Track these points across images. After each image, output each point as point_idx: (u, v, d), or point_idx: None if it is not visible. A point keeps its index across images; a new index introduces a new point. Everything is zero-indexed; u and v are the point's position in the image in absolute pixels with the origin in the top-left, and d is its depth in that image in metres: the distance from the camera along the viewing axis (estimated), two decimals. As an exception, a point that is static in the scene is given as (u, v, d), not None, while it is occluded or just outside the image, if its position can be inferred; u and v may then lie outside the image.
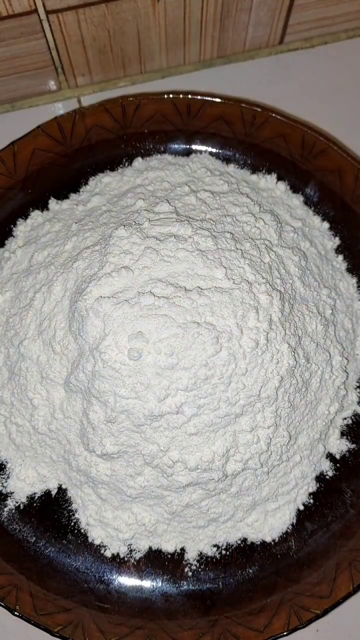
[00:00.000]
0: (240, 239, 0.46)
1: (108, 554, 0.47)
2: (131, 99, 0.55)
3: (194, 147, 0.57)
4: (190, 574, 0.47)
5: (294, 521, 0.48)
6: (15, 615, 0.43)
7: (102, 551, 0.47)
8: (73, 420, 0.45)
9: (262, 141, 0.56)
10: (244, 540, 0.48)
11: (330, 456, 0.49)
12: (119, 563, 0.47)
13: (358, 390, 0.51)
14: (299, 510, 0.48)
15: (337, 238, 0.55)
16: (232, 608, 0.46)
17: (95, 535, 0.47)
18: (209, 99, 0.55)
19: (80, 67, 0.60)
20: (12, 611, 0.43)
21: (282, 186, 0.55)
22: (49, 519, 0.48)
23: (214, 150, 0.57)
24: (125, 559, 0.47)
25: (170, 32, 0.59)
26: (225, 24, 0.60)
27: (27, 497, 0.48)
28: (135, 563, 0.47)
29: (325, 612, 0.44)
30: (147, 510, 0.46)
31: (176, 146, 0.57)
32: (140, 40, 0.59)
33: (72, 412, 0.45)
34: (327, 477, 0.49)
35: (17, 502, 0.48)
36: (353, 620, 0.48)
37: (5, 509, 0.48)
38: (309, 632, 0.47)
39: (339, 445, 0.49)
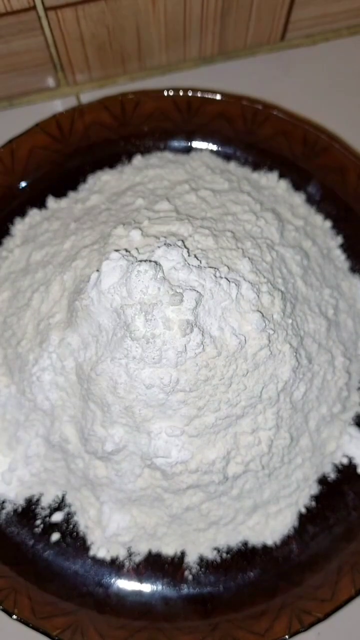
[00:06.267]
0: (241, 237, 0.45)
1: (107, 557, 0.47)
2: (130, 96, 0.55)
3: (194, 144, 0.57)
4: (190, 577, 0.47)
5: (296, 524, 0.48)
6: (14, 619, 0.43)
7: (101, 554, 0.47)
8: (72, 422, 0.45)
9: (263, 139, 0.55)
10: (245, 543, 0.47)
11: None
12: (118, 566, 0.47)
13: (360, 391, 0.50)
14: (300, 513, 0.48)
15: (339, 237, 0.55)
16: (232, 612, 0.46)
17: (94, 538, 0.47)
18: (209, 96, 0.54)
19: (79, 64, 0.60)
20: (10, 614, 0.43)
21: (284, 184, 0.55)
22: (47, 522, 0.47)
23: (214, 147, 0.57)
24: (125, 562, 0.47)
25: (170, 29, 0.58)
26: (226, 20, 0.59)
27: (25, 499, 0.48)
28: (135, 566, 0.47)
29: (327, 616, 0.44)
30: (147, 513, 0.46)
31: (176, 144, 0.57)
32: (140, 36, 0.58)
33: (70, 414, 0.44)
34: (329, 479, 0.49)
35: (15, 505, 0.48)
36: (355, 623, 0.48)
37: (3, 512, 0.48)
38: (310, 635, 0.47)
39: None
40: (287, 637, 0.43)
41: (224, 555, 0.47)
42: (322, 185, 0.55)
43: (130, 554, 0.47)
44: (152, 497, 0.45)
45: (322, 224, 0.55)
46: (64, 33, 0.56)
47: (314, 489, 0.48)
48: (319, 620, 0.43)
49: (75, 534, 0.47)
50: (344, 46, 0.65)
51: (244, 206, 0.49)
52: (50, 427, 0.45)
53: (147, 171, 0.53)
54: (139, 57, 0.61)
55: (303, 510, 0.48)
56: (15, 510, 0.48)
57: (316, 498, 0.48)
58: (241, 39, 0.63)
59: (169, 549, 0.47)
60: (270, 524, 0.47)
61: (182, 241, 0.42)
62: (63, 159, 0.55)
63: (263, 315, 0.41)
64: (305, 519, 0.48)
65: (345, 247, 0.54)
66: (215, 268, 0.41)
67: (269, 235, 0.48)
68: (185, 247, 0.42)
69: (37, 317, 0.46)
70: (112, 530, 0.46)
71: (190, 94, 0.54)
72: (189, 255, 0.41)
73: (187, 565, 0.47)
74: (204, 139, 0.56)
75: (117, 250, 0.41)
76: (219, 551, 0.47)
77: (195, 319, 0.39)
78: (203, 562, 0.47)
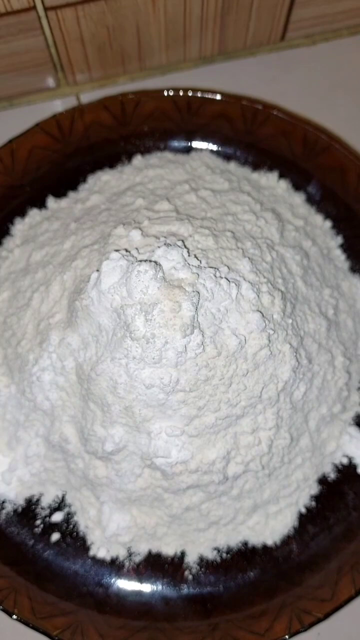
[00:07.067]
0: (241, 237, 0.45)
1: (107, 557, 0.47)
2: (131, 96, 0.55)
3: (194, 144, 0.57)
4: (190, 577, 0.47)
5: (296, 524, 0.48)
6: (14, 619, 0.43)
7: (101, 554, 0.47)
8: (72, 422, 0.45)
9: (263, 139, 0.55)
10: (245, 543, 0.47)
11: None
12: (118, 566, 0.47)
13: (360, 391, 0.50)
14: (300, 513, 0.48)
15: (339, 237, 0.55)
16: (232, 612, 0.46)
17: (94, 538, 0.47)
18: (209, 96, 0.54)
19: (79, 64, 0.60)
20: (10, 614, 0.43)
21: (284, 184, 0.55)
22: (47, 522, 0.47)
23: (214, 147, 0.57)
24: (125, 562, 0.47)
25: (170, 29, 0.58)
26: (226, 20, 0.59)
27: (25, 499, 0.48)
28: (135, 566, 0.47)
29: (326, 616, 0.44)
30: (147, 513, 0.46)
31: (176, 144, 0.57)
32: (140, 36, 0.58)
33: (70, 414, 0.44)
34: (329, 479, 0.49)
35: (15, 505, 0.48)
36: (355, 624, 0.48)
37: (3, 512, 0.48)
38: (310, 635, 0.47)
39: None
40: (287, 637, 0.43)
41: (224, 555, 0.47)
42: (322, 185, 0.55)
43: (130, 554, 0.47)
44: (152, 497, 0.45)
45: (322, 224, 0.55)
46: (64, 33, 0.56)
47: (314, 489, 0.48)
48: (319, 620, 0.43)
49: (75, 534, 0.47)
50: (344, 46, 0.65)
51: (244, 206, 0.49)
52: (50, 427, 0.45)
53: (147, 171, 0.53)
54: (139, 57, 0.61)
55: (303, 510, 0.48)
56: (15, 510, 0.48)
57: (316, 498, 0.48)
58: (241, 39, 0.63)
59: (169, 549, 0.47)
60: (270, 524, 0.47)
61: (182, 241, 0.42)
62: (63, 159, 0.55)
63: (263, 315, 0.41)
64: (305, 519, 0.48)
65: (345, 247, 0.54)
66: (215, 268, 0.41)
67: (269, 235, 0.48)
68: (185, 247, 0.42)
69: (37, 317, 0.46)
70: (112, 530, 0.46)
71: (190, 94, 0.54)
72: (189, 255, 0.41)
73: (187, 565, 0.47)
74: (204, 139, 0.56)
75: (117, 250, 0.41)
76: (219, 551, 0.47)
77: (195, 319, 0.39)
78: (203, 562, 0.47)
